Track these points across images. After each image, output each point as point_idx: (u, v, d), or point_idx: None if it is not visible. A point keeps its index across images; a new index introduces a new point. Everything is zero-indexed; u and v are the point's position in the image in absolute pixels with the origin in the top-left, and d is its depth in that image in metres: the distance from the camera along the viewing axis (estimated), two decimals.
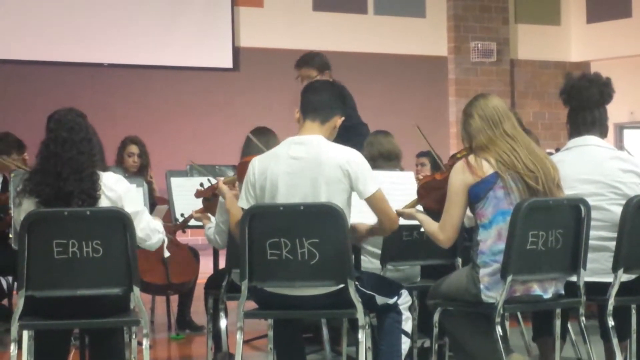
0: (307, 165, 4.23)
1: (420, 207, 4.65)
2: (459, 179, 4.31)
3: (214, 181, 5.15)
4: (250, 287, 4.19)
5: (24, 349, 4.13)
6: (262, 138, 5.24)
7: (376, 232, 4.57)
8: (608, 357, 4.79)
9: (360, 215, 4.52)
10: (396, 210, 4.54)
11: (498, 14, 15.23)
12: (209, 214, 5.42)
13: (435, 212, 4.45)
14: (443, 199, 4.37)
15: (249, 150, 5.17)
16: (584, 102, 4.83)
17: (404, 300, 4.42)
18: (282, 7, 14.01)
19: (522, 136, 4.37)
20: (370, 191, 4.26)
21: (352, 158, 4.26)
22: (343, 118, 4.47)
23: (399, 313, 4.39)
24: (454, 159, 4.50)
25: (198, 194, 5.27)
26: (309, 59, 6.78)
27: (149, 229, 4.32)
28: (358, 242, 4.78)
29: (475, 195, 4.28)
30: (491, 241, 4.26)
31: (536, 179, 4.26)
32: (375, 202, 4.30)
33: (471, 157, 4.33)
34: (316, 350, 5.89)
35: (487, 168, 4.27)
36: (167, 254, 5.82)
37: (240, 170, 4.76)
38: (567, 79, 4.97)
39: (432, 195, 4.53)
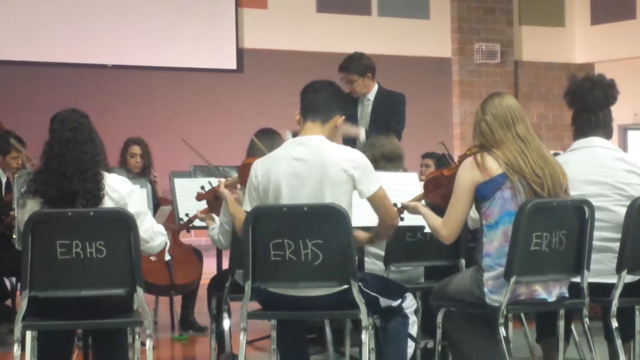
0: (311, 167, 4.22)
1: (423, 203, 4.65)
2: (468, 175, 4.30)
3: (215, 183, 5.15)
4: (253, 287, 4.19)
5: (27, 350, 4.13)
6: (267, 140, 5.23)
7: (376, 238, 4.56)
8: (612, 358, 4.78)
9: (365, 217, 4.52)
10: (401, 203, 4.53)
11: (502, 15, 15.23)
12: (213, 215, 5.42)
13: (440, 208, 4.45)
14: (449, 195, 4.36)
15: (254, 151, 5.17)
16: (589, 104, 4.82)
17: (409, 303, 4.41)
18: (286, 9, 14.02)
19: (534, 140, 4.34)
20: (373, 190, 4.26)
21: (354, 158, 4.26)
22: (343, 117, 4.45)
23: (406, 317, 4.38)
24: (463, 156, 4.48)
25: (199, 197, 5.27)
26: (348, 64, 6.69)
27: (152, 231, 4.32)
28: (358, 246, 4.76)
29: (482, 195, 4.27)
30: (498, 242, 4.25)
31: (542, 185, 4.24)
32: (376, 200, 4.30)
33: (480, 156, 4.31)
34: (319, 351, 5.89)
35: (495, 168, 4.26)
36: (167, 257, 5.81)
37: (243, 171, 4.75)
38: (571, 80, 4.96)
39: (438, 191, 4.54)
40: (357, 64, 6.69)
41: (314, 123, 4.35)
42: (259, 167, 4.32)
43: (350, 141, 6.53)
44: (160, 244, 4.37)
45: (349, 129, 6.19)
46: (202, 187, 5.28)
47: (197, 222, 5.83)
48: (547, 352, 4.81)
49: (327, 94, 4.40)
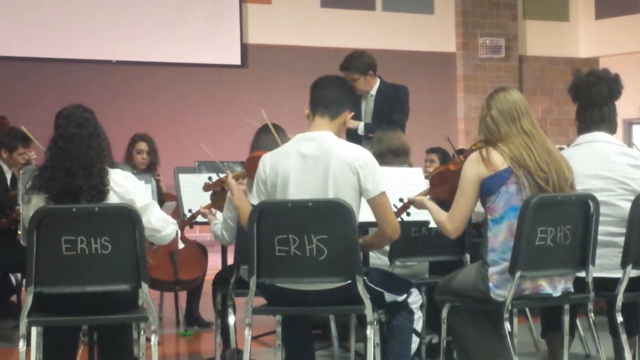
0: (318, 162, 4.22)
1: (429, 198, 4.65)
2: (473, 170, 4.30)
3: (222, 175, 5.16)
4: (258, 283, 4.19)
5: (32, 346, 4.13)
6: (272, 135, 5.23)
7: (371, 246, 4.55)
8: (617, 353, 4.78)
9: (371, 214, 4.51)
10: (407, 198, 4.53)
11: (507, 9, 15.21)
12: (216, 210, 5.41)
13: (445, 203, 4.45)
14: (455, 190, 4.35)
15: (259, 146, 5.17)
16: (593, 98, 4.82)
17: (415, 299, 4.41)
18: (290, 4, 14.02)
19: (539, 135, 4.33)
20: (376, 192, 4.23)
21: (361, 156, 4.25)
22: (352, 113, 4.46)
23: (411, 312, 4.38)
24: (469, 152, 4.48)
25: (206, 187, 5.26)
26: (350, 63, 6.67)
27: (164, 220, 4.34)
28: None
29: (488, 189, 4.26)
30: (502, 237, 4.25)
31: (547, 180, 4.24)
32: (378, 205, 4.26)
33: (485, 150, 4.31)
34: (324, 346, 5.89)
35: (501, 162, 4.25)
36: (181, 245, 5.81)
37: (249, 164, 4.76)
38: (575, 75, 4.95)
39: (444, 186, 4.53)
40: (358, 62, 6.68)
41: (323, 118, 4.36)
42: (267, 162, 4.33)
43: (355, 137, 6.53)
44: (172, 233, 4.39)
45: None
46: (210, 178, 5.28)
47: (201, 218, 5.83)
48: (552, 347, 4.81)
49: (337, 89, 4.40)
